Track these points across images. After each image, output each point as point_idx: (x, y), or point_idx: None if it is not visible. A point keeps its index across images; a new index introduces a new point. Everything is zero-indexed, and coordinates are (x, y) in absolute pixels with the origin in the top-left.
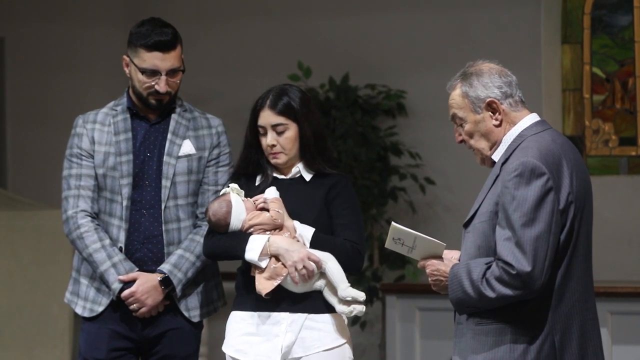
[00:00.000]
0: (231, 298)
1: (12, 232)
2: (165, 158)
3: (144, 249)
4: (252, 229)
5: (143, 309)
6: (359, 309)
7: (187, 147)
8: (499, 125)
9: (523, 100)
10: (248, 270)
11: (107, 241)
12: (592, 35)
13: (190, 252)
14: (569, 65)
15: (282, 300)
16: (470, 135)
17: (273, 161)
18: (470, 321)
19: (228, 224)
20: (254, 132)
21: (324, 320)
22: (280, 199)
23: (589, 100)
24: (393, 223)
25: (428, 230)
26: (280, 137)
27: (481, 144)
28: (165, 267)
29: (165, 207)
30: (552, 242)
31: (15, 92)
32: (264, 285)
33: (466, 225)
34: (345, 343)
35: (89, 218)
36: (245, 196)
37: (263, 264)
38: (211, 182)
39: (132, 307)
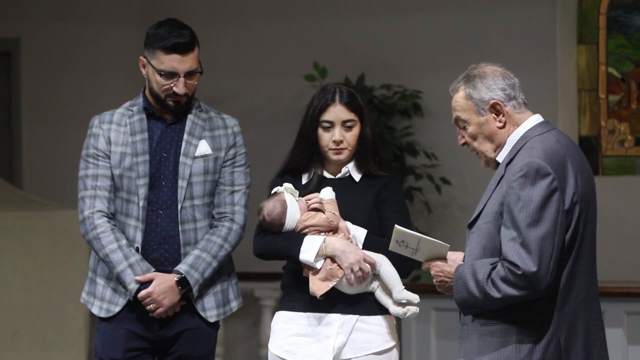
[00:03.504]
0: (247, 298)
1: (28, 232)
2: (181, 158)
3: (161, 249)
4: (306, 230)
5: (160, 309)
6: (413, 310)
7: (203, 147)
8: (503, 127)
9: (526, 102)
10: (297, 270)
11: (124, 242)
12: (607, 35)
13: (207, 252)
14: (585, 65)
15: (334, 301)
16: (474, 137)
17: (335, 157)
18: (475, 322)
19: (283, 224)
20: (314, 127)
21: (375, 322)
22: (335, 200)
23: (605, 100)
24: (396, 226)
25: (444, 230)
26: (347, 134)
27: (485, 146)
28: (182, 267)
29: (181, 207)
30: (558, 243)
31: (31, 92)
32: (318, 286)
33: (470, 225)
34: (394, 347)
35: (106, 218)
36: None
37: (318, 265)
38: (227, 183)
39: (148, 307)
